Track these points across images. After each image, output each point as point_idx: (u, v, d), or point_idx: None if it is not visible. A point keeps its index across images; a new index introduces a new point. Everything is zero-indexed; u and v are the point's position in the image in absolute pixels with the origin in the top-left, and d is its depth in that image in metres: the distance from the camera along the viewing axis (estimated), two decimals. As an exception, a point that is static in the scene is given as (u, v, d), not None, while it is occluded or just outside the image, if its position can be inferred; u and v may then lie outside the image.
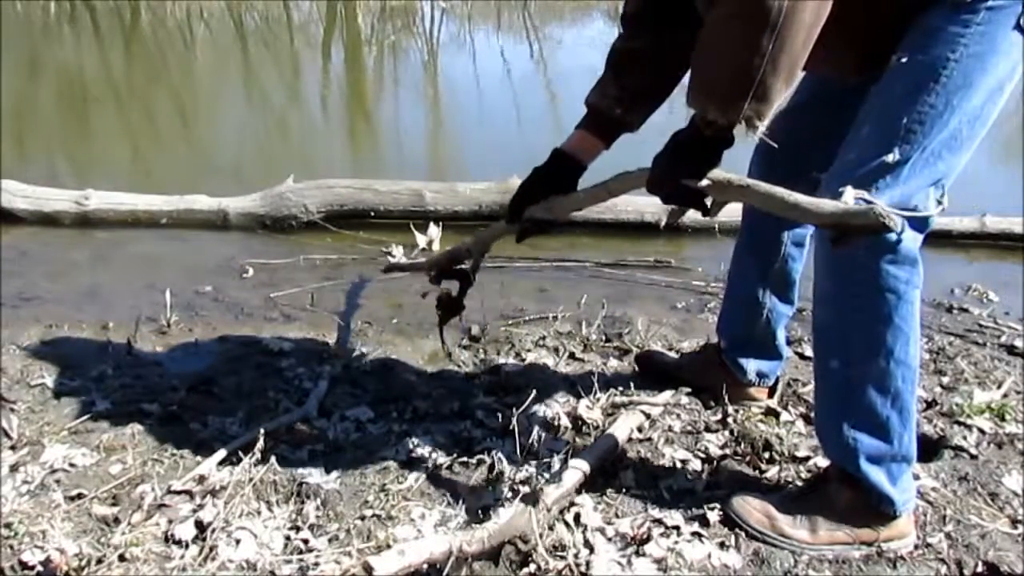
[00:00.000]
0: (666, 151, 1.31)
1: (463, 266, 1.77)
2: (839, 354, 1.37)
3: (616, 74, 1.56)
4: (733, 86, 1.18)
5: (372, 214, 3.28)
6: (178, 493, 1.51)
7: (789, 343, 2.22)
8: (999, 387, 2.00)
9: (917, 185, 1.27)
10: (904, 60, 1.27)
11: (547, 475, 1.54)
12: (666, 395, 1.89)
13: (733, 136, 1.27)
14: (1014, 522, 1.50)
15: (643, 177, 1.34)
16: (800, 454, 1.67)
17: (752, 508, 1.45)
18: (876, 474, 1.36)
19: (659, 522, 1.45)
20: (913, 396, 1.36)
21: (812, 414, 1.78)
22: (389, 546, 1.34)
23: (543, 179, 1.60)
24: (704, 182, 1.26)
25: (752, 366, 1.84)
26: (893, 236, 1.26)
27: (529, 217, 1.58)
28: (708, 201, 1.32)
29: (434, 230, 3.07)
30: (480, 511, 1.46)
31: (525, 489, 1.47)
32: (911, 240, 1.28)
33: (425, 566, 1.28)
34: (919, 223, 1.29)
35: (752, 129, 1.21)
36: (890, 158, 1.25)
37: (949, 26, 1.23)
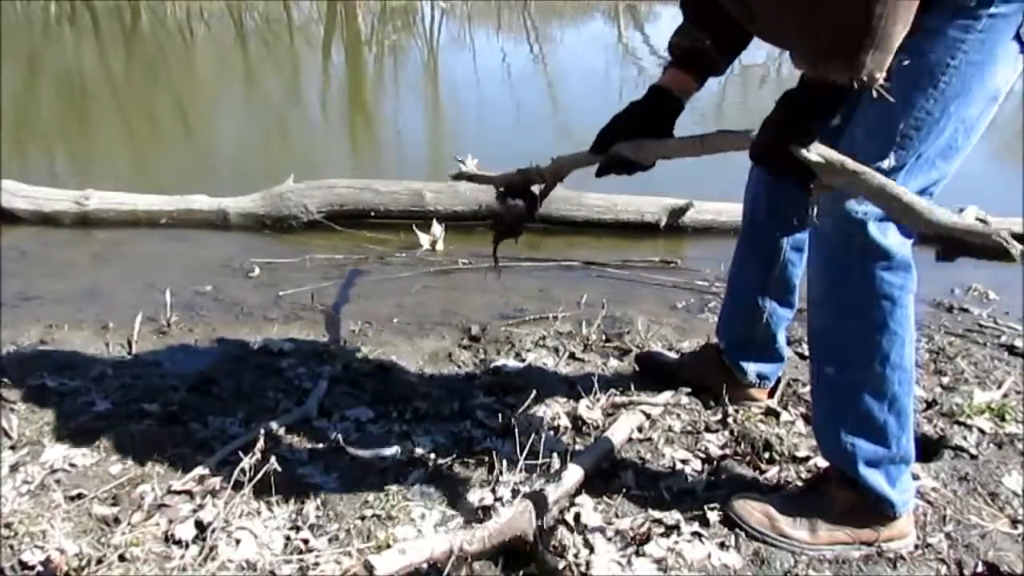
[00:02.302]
0: (776, 113, 1.22)
1: (534, 189, 1.63)
2: (835, 360, 1.37)
3: (694, 18, 1.46)
4: (855, 40, 1.09)
5: (372, 214, 3.29)
6: (178, 493, 1.51)
7: (789, 343, 2.22)
8: (999, 387, 2.00)
9: (912, 187, 1.24)
10: (904, 63, 1.23)
11: (547, 475, 1.54)
12: (666, 395, 1.89)
13: (844, 95, 1.17)
14: (1014, 522, 1.50)
15: (746, 139, 1.23)
16: (800, 454, 1.67)
17: (752, 508, 1.45)
18: (875, 477, 1.36)
19: (659, 522, 1.45)
20: (910, 398, 1.36)
21: (811, 414, 1.78)
22: (389, 546, 1.34)
23: (640, 113, 1.47)
24: (814, 157, 1.15)
25: (753, 368, 1.84)
26: (886, 243, 1.26)
27: (616, 153, 1.44)
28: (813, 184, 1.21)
29: (437, 229, 3.07)
30: (480, 511, 1.46)
31: (525, 489, 1.47)
32: (903, 246, 1.28)
33: (426, 566, 1.28)
34: (908, 228, 1.28)
35: (871, 83, 1.12)
36: (885, 164, 1.23)
37: (950, 30, 1.21)
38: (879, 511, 1.39)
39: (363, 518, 1.46)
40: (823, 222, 1.29)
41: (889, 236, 1.26)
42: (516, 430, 1.72)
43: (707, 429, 1.78)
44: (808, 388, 1.93)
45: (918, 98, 1.23)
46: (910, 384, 1.35)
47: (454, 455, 1.67)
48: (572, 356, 2.17)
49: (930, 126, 1.23)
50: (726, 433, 1.76)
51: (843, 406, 1.37)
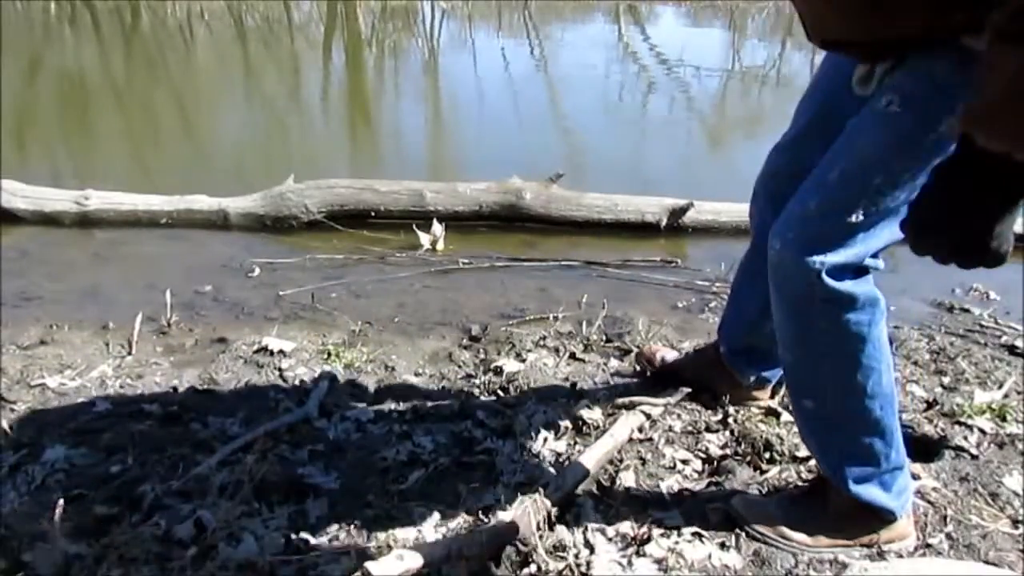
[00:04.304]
0: (939, 193, 0.95)
1: None
2: (812, 395, 1.34)
3: None
4: None
5: (372, 214, 3.29)
6: (178, 493, 1.51)
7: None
8: (1000, 387, 2.00)
9: (875, 245, 1.20)
10: (896, 109, 1.11)
11: (547, 476, 1.54)
12: (665, 395, 1.89)
13: None
14: (1015, 522, 1.50)
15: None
16: (800, 454, 1.67)
17: (752, 509, 1.45)
18: (868, 491, 1.35)
19: (659, 522, 1.45)
20: (894, 416, 1.33)
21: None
22: (389, 547, 1.34)
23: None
24: None
25: (753, 372, 1.82)
26: (847, 288, 1.20)
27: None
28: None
29: (438, 229, 3.07)
30: (480, 511, 1.46)
31: (525, 489, 1.47)
32: (865, 283, 1.23)
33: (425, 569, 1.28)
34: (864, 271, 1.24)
35: None
36: (853, 218, 1.16)
37: (958, 73, 1.03)
38: (878, 516, 1.38)
39: (363, 518, 1.46)
40: (782, 269, 1.24)
41: (849, 281, 1.21)
42: (516, 430, 1.72)
43: (707, 429, 1.78)
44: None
45: (901, 153, 1.11)
46: (892, 404, 1.32)
47: (454, 455, 1.66)
48: (572, 356, 2.17)
49: (906, 183, 1.12)
50: (726, 433, 1.76)
51: (825, 436, 1.36)
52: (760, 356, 1.80)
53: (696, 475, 1.62)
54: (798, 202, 1.24)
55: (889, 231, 1.18)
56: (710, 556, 1.38)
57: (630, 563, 1.36)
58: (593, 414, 1.80)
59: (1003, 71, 0.88)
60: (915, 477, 1.51)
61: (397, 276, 2.80)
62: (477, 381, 2.02)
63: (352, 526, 1.44)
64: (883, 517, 1.38)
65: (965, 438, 1.75)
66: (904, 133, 1.11)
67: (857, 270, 1.22)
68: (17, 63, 7.22)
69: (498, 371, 2.06)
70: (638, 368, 2.05)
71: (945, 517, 1.50)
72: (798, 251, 1.20)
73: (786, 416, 1.82)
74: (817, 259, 1.18)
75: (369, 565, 1.22)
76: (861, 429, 1.32)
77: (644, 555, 1.37)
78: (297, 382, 2.00)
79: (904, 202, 1.14)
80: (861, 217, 1.16)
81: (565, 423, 1.78)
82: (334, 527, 1.44)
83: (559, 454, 1.66)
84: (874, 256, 1.23)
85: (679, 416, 1.83)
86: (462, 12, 11.91)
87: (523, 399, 1.88)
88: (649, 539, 1.40)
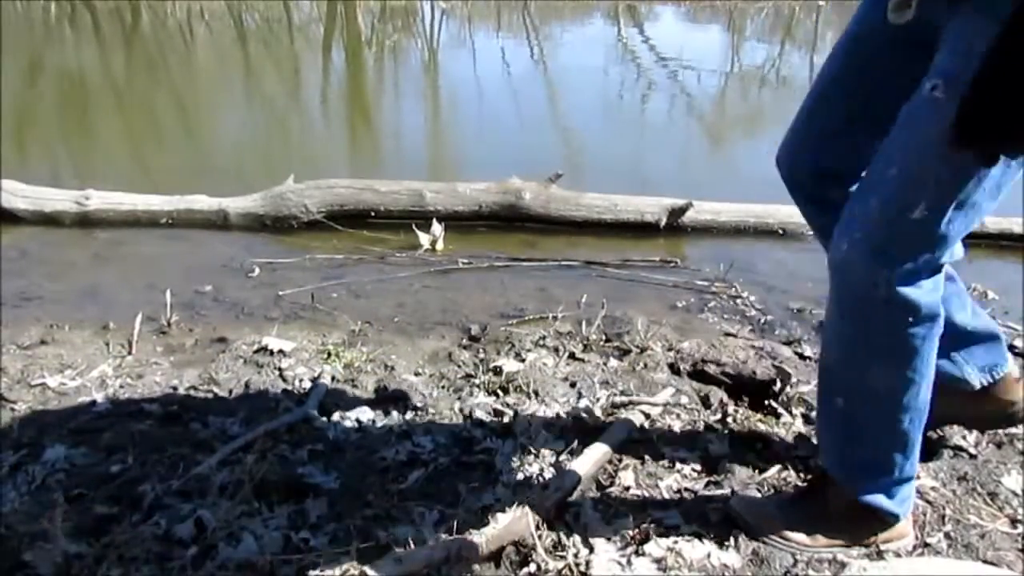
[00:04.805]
0: (997, 66, 0.90)
1: None
2: (846, 395, 1.32)
3: None
4: None
5: (372, 214, 3.29)
6: (178, 493, 1.51)
7: (789, 343, 2.22)
8: (999, 387, 2.00)
9: (950, 241, 1.13)
10: (939, 95, 1.04)
11: (547, 476, 1.54)
12: (665, 395, 1.89)
13: None
14: (1013, 522, 1.50)
15: None
16: (799, 453, 1.67)
17: (751, 508, 1.45)
18: (876, 498, 1.35)
19: (658, 522, 1.45)
20: (920, 430, 1.31)
21: (813, 414, 1.78)
22: (389, 547, 1.34)
23: None
24: None
25: (970, 368, 1.49)
26: (914, 296, 1.16)
27: None
28: None
29: (437, 229, 3.08)
30: (480, 511, 1.46)
31: (525, 489, 1.47)
32: (932, 293, 1.18)
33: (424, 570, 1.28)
34: (936, 271, 1.19)
35: None
36: (917, 214, 1.09)
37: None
38: (878, 518, 1.38)
39: (363, 518, 1.46)
40: (847, 269, 1.19)
41: (919, 287, 1.16)
42: (516, 430, 1.72)
43: (706, 429, 1.78)
44: (808, 388, 1.94)
45: None
46: (921, 419, 1.30)
47: (454, 455, 1.67)
48: (572, 356, 2.17)
49: (972, 170, 1.04)
50: (726, 433, 1.76)
51: (850, 437, 1.35)
52: (963, 341, 1.47)
53: (695, 475, 1.62)
54: (859, 201, 1.18)
55: (962, 222, 1.11)
56: (709, 556, 1.38)
57: (629, 562, 1.36)
58: (593, 414, 1.81)
59: None
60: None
61: (397, 276, 2.81)
62: (477, 381, 2.02)
63: (352, 526, 1.44)
64: (884, 519, 1.38)
65: (964, 437, 1.75)
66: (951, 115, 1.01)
67: (932, 270, 1.18)
68: (17, 63, 7.23)
69: (498, 371, 2.06)
70: None
71: (944, 516, 1.50)
72: (867, 253, 1.15)
73: (785, 416, 1.82)
74: (886, 263, 1.14)
75: (367, 569, 1.22)
76: (885, 438, 1.30)
77: (643, 554, 1.37)
78: (297, 382, 2.00)
79: (973, 190, 1.06)
80: (925, 213, 1.09)
81: (565, 423, 1.78)
82: (334, 527, 1.44)
83: (559, 454, 1.66)
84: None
85: (678, 416, 1.83)
86: (462, 12, 11.92)
87: (523, 399, 1.88)
88: (648, 538, 1.40)
